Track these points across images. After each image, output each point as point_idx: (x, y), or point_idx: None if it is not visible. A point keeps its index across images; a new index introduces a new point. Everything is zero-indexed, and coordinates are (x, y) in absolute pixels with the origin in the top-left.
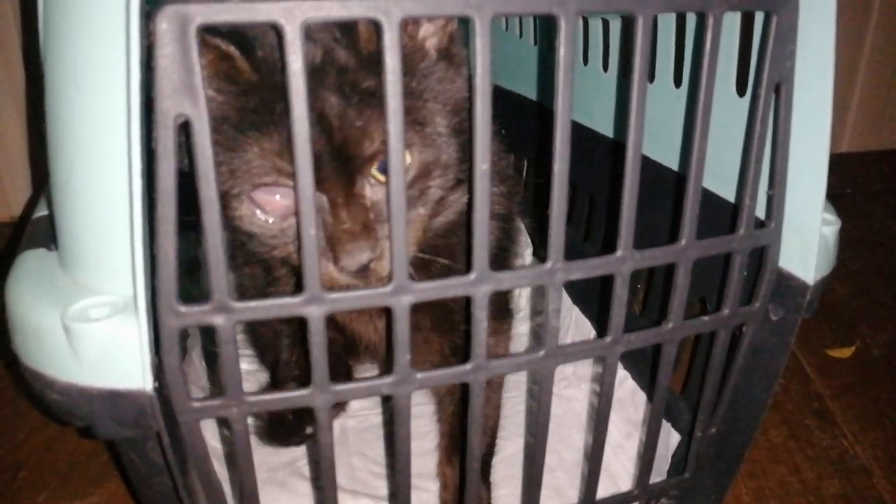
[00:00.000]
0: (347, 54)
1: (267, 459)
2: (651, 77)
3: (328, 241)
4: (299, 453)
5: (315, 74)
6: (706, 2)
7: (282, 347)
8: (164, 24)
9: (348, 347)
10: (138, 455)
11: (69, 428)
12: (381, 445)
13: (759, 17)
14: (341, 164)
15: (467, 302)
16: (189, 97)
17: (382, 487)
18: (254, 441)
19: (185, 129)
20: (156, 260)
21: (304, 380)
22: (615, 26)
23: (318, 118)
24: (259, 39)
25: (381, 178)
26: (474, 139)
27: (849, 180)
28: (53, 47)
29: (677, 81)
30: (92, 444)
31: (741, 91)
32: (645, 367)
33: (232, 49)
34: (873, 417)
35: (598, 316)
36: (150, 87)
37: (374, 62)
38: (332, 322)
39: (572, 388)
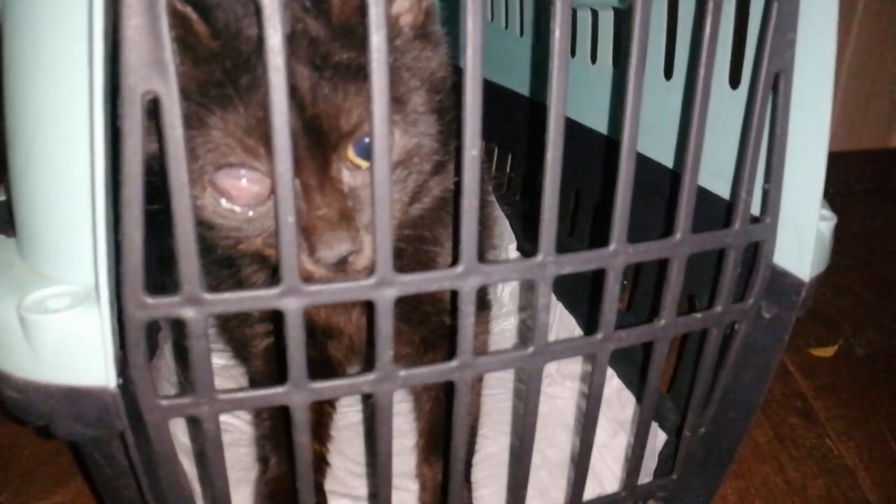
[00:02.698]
0: (318, 25)
1: (240, 458)
2: None
3: (303, 230)
4: None
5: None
6: None
7: (255, 352)
8: None
9: (325, 357)
10: (102, 455)
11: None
12: (360, 444)
13: (755, 6)
14: (314, 141)
15: (452, 296)
16: (158, 72)
17: (361, 487)
18: (226, 439)
19: (153, 106)
20: (121, 247)
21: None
22: (605, 17)
23: (289, 92)
24: (217, 3)
25: (361, 162)
26: (463, 123)
27: (830, 180)
28: (12, 17)
29: (667, 73)
30: (57, 443)
31: (734, 83)
32: (631, 366)
33: (188, 10)
34: (857, 417)
35: (588, 314)
36: (115, 61)
37: (347, 34)
38: (309, 325)
39: (556, 386)
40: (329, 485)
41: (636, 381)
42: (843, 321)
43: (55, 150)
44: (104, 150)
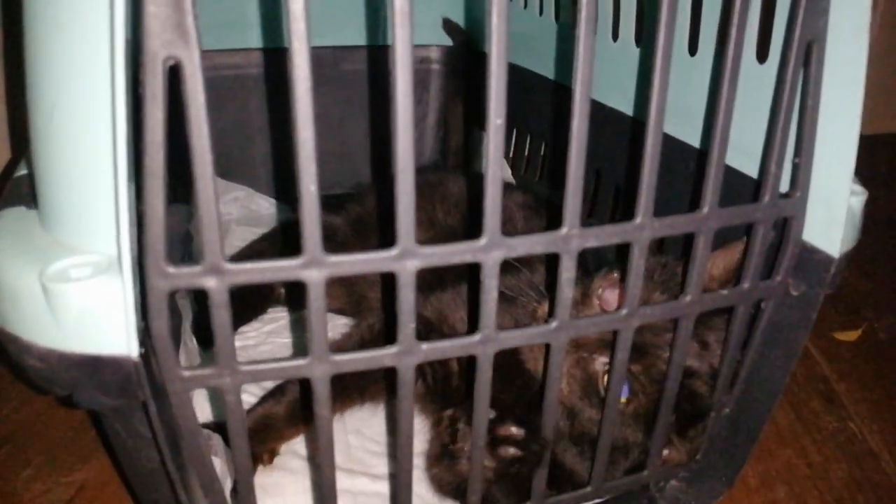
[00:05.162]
0: None
1: None
2: None
3: None
4: None
5: None
6: None
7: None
8: None
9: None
10: (124, 427)
11: (57, 402)
12: (379, 423)
13: None
14: None
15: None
16: (180, 38)
17: (380, 466)
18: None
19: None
20: (143, 216)
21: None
22: None
23: None
24: None
25: None
26: (488, 93)
27: (856, 164)
28: None
29: (692, 50)
30: (81, 419)
31: (762, 58)
32: None
33: None
34: (880, 401)
35: None
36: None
37: None
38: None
39: None
40: (347, 463)
41: None
42: (866, 305)
43: (76, 118)
44: (126, 117)
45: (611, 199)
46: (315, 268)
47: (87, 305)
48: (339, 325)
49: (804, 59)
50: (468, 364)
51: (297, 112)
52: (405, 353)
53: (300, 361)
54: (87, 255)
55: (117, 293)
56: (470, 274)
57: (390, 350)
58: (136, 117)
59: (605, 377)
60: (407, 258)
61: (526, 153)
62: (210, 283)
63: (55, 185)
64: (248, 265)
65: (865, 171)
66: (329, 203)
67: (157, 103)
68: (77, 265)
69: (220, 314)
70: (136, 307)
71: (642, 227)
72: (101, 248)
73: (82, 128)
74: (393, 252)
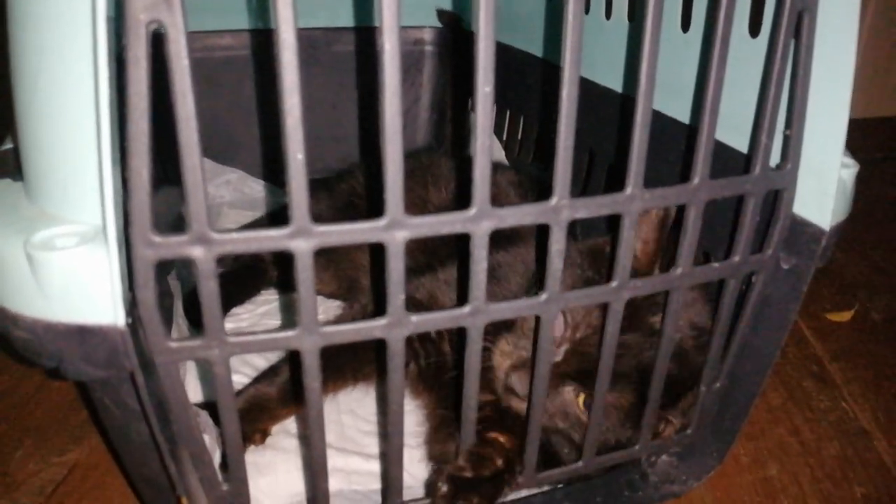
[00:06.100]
0: None
1: None
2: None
3: None
4: None
5: None
6: None
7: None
8: None
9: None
10: (112, 400)
11: (51, 381)
12: (372, 403)
13: None
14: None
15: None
16: (163, 1)
17: (373, 445)
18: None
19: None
20: (128, 184)
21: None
22: None
23: None
24: None
25: None
26: (477, 61)
27: (851, 146)
28: None
29: (685, 26)
30: (72, 400)
31: (754, 32)
32: None
33: None
34: (872, 381)
35: None
36: None
37: None
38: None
39: None
40: (341, 443)
41: None
42: (859, 286)
43: (59, 87)
44: (108, 83)
45: (603, 181)
46: (302, 238)
47: (73, 274)
48: (332, 308)
49: (795, 29)
50: (459, 345)
51: (283, 79)
52: (395, 325)
53: (289, 333)
54: (73, 225)
55: (103, 262)
56: (460, 247)
57: (380, 322)
58: (122, 86)
59: (580, 401)
60: (396, 228)
61: (519, 136)
62: (196, 252)
63: (40, 155)
64: (235, 234)
65: (860, 153)
66: (319, 188)
67: (141, 68)
68: (62, 234)
69: (208, 284)
70: (122, 276)
71: (633, 198)
72: (87, 218)
73: (65, 95)
74: (382, 222)
